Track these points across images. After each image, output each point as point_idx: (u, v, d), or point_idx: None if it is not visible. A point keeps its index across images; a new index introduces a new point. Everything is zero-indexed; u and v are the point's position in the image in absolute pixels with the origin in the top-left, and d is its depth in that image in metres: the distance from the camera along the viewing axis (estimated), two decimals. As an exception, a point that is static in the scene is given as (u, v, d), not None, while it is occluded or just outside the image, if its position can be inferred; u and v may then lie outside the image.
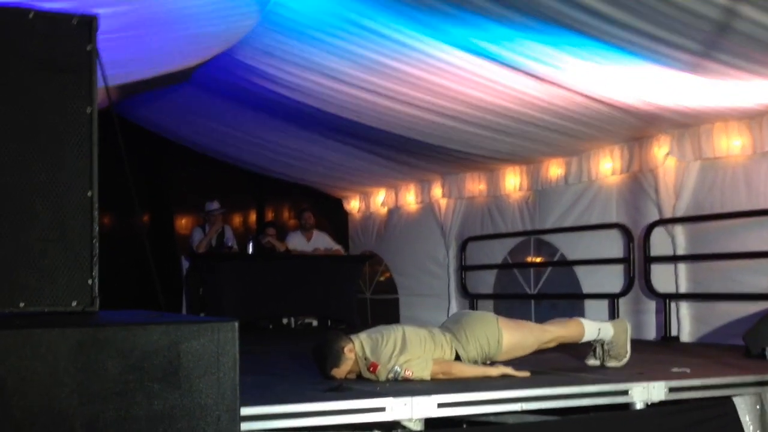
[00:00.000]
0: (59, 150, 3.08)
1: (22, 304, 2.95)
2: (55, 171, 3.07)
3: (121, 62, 5.81)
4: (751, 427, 3.88)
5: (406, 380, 3.86)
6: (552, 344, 4.33)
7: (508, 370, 4.02)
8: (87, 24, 3.19)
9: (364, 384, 3.76)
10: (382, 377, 3.87)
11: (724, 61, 4.97)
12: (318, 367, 3.98)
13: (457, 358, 4.09)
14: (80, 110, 3.13)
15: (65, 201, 3.05)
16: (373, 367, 3.88)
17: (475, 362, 4.13)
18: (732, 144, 6.51)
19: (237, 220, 12.05)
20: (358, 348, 3.94)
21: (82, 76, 3.15)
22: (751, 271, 6.32)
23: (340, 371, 3.91)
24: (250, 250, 9.06)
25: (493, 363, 4.20)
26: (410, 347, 3.92)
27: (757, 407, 3.92)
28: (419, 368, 3.88)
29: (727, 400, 3.89)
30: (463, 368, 3.99)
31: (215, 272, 8.51)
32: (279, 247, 9.29)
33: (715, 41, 4.66)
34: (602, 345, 4.44)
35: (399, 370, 3.86)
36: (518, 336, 4.20)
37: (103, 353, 2.55)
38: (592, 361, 4.49)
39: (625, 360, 4.43)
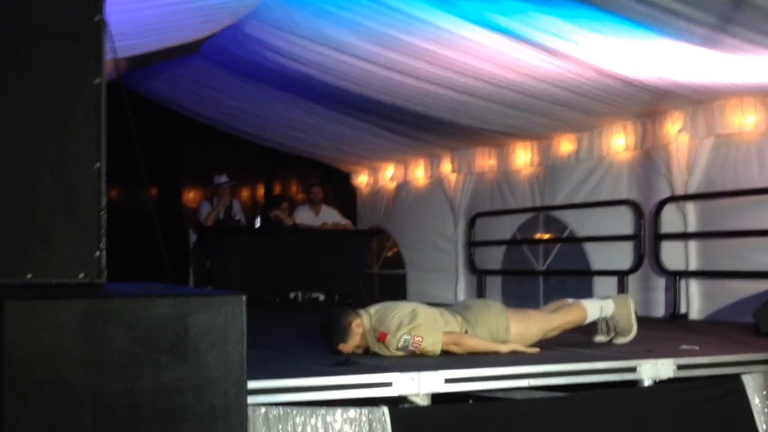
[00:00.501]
0: (67, 121, 3.06)
1: (29, 276, 2.95)
2: (63, 142, 3.05)
3: (129, 33, 5.78)
4: (760, 405, 3.87)
5: (414, 354, 3.85)
6: (556, 332, 4.31)
7: (518, 347, 4.01)
8: (95, -6, 3.15)
9: (372, 359, 3.76)
10: (392, 347, 3.84)
11: (740, 35, 4.91)
12: (325, 342, 3.98)
13: None
14: (88, 82, 3.10)
15: (73, 173, 3.04)
16: (382, 336, 3.86)
17: None
18: (745, 120, 6.46)
19: (245, 193, 12.06)
20: (366, 322, 3.93)
21: (89, 47, 3.12)
22: (763, 249, 6.29)
23: (348, 346, 3.90)
24: (258, 224, 9.06)
25: None
26: (420, 319, 3.91)
27: (766, 385, 3.91)
28: (429, 337, 3.85)
29: (736, 378, 3.87)
30: (475, 341, 3.97)
31: (223, 245, 8.52)
32: (287, 221, 9.29)
33: (731, 14, 4.59)
34: (607, 322, 4.43)
35: (408, 338, 3.82)
36: (525, 325, 4.20)
37: (110, 325, 2.55)
38: (600, 338, 4.47)
39: (632, 335, 4.41)
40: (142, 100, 9.52)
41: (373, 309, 4.01)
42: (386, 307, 4.01)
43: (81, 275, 3.00)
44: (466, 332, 4.05)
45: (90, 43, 3.14)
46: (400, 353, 3.86)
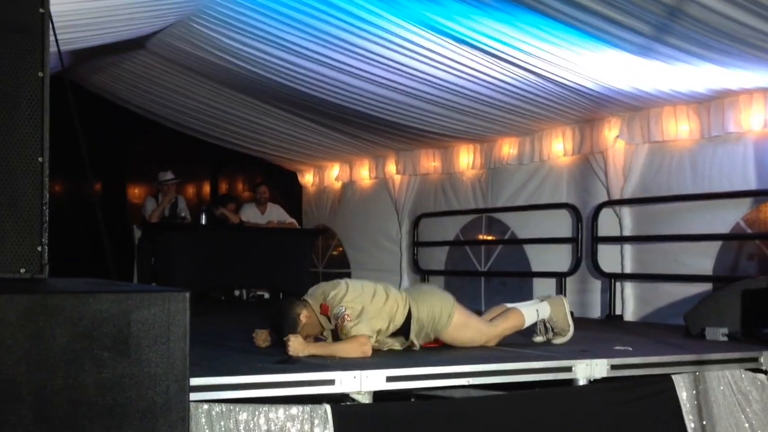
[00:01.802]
0: (9, 115, 3.02)
1: (-32, 270, 2.91)
2: (5, 136, 3.02)
3: (74, 26, 5.71)
4: (689, 405, 4.01)
5: (336, 327, 3.92)
6: (496, 340, 4.40)
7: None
8: (40, -14, 3.12)
9: (315, 357, 3.80)
10: (332, 314, 3.92)
11: (675, 44, 5.07)
12: (275, 335, 4.01)
13: (409, 315, 4.13)
14: (32, 74, 3.07)
15: (15, 167, 3.00)
16: (324, 309, 3.95)
17: (422, 328, 4.17)
18: (680, 128, 6.65)
19: (190, 190, 11.95)
20: (313, 305, 4.00)
21: (34, 39, 3.09)
22: (694, 253, 6.50)
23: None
24: (203, 221, 9.01)
25: (436, 341, 4.29)
26: (357, 305, 3.94)
27: (695, 385, 4.06)
28: (354, 324, 3.87)
29: (667, 378, 4.00)
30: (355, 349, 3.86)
31: (168, 242, 8.44)
32: (233, 219, 9.25)
33: (667, 24, 4.75)
34: (545, 322, 4.55)
35: (342, 310, 3.88)
36: (466, 321, 4.29)
37: (51, 321, 2.53)
38: (538, 338, 4.58)
39: (569, 334, 4.54)
40: (87, 93, 9.38)
41: (318, 290, 4.07)
42: (328, 285, 4.08)
43: (22, 270, 2.97)
44: (409, 309, 4.11)
45: (34, 35, 3.11)
46: (336, 311, 3.91)
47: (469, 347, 4.32)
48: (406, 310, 4.14)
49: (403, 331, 4.16)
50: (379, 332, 4.06)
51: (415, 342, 4.19)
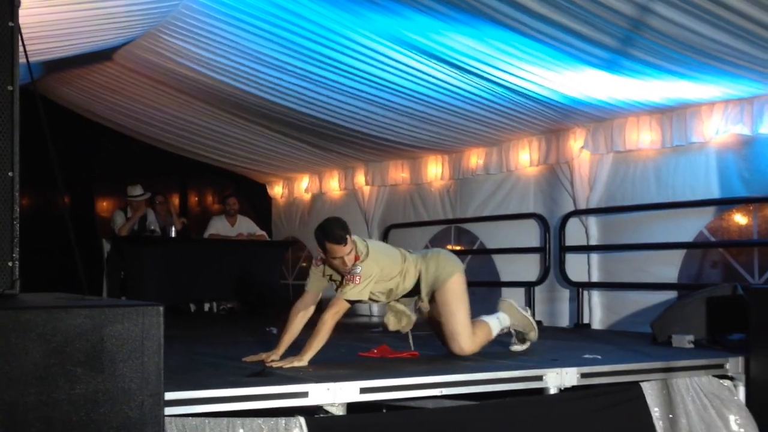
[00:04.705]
0: (-22, 129, 3.00)
1: (-62, 287, 2.88)
2: (-26, 150, 3.00)
3: (41, 38, 5.67)
4: (657, 411, 4.08)
5: (343, 279, 4.12)
6: (471, 352, 4.44)
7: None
8: (9, -1, 3.11)
9: (287, 370, 3.81)
10: (353, 267, 4.09)
11: (639, 57, 5.17)
12: (317, 240, 4.15)
13: (419, 277, 4.38)
14: (1, 88, 3.06)
15: (-16, 181, 2.98)
16: (357, 257, 4.11)
17: (428, 282, 4.38)
18: (643, 138, 6.76)
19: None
20: (359, 245, 4.19)
21: (3, 53, 3.08)
22: (659, 262, 6.60)
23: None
24: (173, 234, 8.95)
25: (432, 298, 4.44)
26: (368, 272, 4.11)
27: (663, 392, 4.13)
28: (355, 288, 4.07)
29: (635, 385, 4.07)
30: (330, 319, 4.05)
31: (137, 256, 8.37)
32: (175, 223, 9.07)
33: (631, 37, 4.84)
34: (510, 329, 4.64)
35: (358, 270, 4.08)
36: (465, 296, 4.45)
37: (24, 337, 2.52)
38: (516, 347, 4.68)
39: (535, 328, 4.67)
40: (56, 106, 9.28)
41: (367, 241, 4.28)
42: (377, 247, 4.29)
43: (-7, 286, 2.95)
44: (419, 271, 4.36)
45: (4, 48, 3.09)
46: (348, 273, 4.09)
47: (444, 356, 4.36)
48: (417, 272, 4.37)
49: (416, 291, 4.40)
50: (390, 292, 4.31)
51: (425, 299, 4.40)
